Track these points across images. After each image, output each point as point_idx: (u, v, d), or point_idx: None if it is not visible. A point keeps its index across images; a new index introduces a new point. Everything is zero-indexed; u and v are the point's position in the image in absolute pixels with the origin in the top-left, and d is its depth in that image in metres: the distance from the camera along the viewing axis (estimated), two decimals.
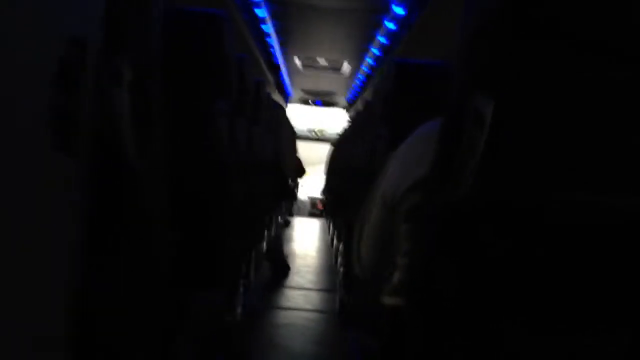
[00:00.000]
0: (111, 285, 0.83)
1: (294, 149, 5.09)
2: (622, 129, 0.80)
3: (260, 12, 4.17)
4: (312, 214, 8.57)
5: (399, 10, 3.75)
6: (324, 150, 7.39)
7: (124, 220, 0.84)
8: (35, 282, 0.66)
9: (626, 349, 0.88)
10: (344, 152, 4.07)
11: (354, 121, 4.36)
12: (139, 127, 0.83)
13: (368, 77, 6.05)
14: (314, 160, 8.76)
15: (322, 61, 5.93)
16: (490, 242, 0.83)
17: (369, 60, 5.40)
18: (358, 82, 6.67)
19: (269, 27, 4.59)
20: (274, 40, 5.04)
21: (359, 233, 1.32)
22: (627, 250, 0.84)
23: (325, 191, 6.86)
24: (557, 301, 0.84)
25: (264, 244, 3.67)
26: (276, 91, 6.92)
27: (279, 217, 4.75)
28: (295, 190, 6.99)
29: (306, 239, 5.97)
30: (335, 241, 4.28)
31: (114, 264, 0.84)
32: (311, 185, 8.37)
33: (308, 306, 3.29)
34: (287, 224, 6.49)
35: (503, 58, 0.78)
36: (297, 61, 6.04)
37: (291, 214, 7.32)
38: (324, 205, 7.74)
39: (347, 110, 8.55)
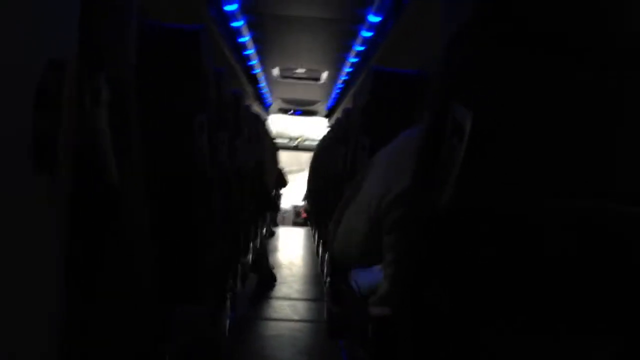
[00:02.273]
0: (94, 302, 0.83)
1: (275, 160, 5.08)
2: (603, 134, 0.81)
3: (237, 24, 4.17)
4: (296, 223, 8.55)
5: (374, 19, 3.77)
6: (306, 157, 7.41)
7: (105, 237, 0.83)
8: (18, 299, 0.66)
9: (618, 352, 0.89)
10: (325, 160, 4.08)
11: (333, 129, 4.37)
12: (118, 144, 0.82)
13: (347, 84, 6.07)
14: (300, 166, 8.78)
15: (300, 71, 5.94)
16: (475, 250, 0.84)
17: (347, 69, 5.42)
18: (337, 90, 6.68)
19: (246, 39, 4.59)
20: (251, 52, 5.04)
21: (334, 231, 1.33)
22: (613, 253, 0.85)
23: (308, 199, 6.85)
24: (544, 309, 0.85)
25: (249, 256, 3.65)
26: (256, 102, 6.91)
27: (264, 228, 4.73)
28: (278, 201, 6.98)
29: (291, 248, 5.96)
30: (320, 250, 4.28)
31: (96, 280, 0.83)
32: (295, 194, 8.37)
33: (296, 316, 3.28)
34: (271, 234, 6.47)
35: (481, 66, 0.79)
36: (276, 72, 6.04)
37: (275, 224, 7.30)
38: (307, 214, 7.74)
39: (327, 119, 8.56)
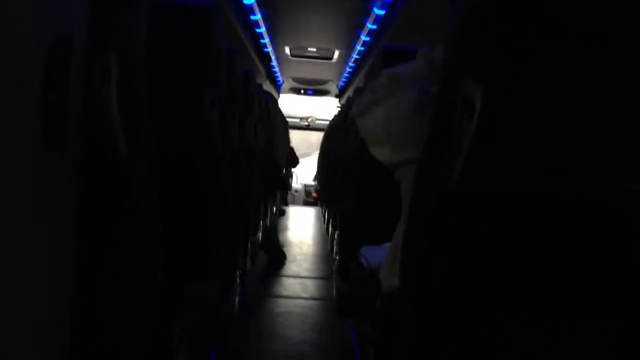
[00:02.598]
0: (105, 279, 0.84)
1: (286, 139, 5.08)
2: (613, 115, 0.80)
3: (248, 1, 4.14)
4: (307, 203, 8.58)
5: None
6: (317, 139, 7.39)
7: (115, 215, 0.84)
8: (31, 277, 0.67)
9: (619, 339, 0.88)
10: (336, 140, 4.07)
11: (345, 109, 4.36)
12: (127, 121, 0.83)
13: (358, 64, 6.03)
14: (309, 149, 8.77)
15: (312, 50, 5.90)
16: (481, 230, 0.83)
17: (358, 47, 5.38)
18: (349, 70, 6.64)
19: (257, 17, 4.56)
20: (263, 30, 5.01)
21: None
22: (620, 239, 0.84)
23: (319, 179, 6.86)
24: (547, 289, 0.85)
25: (260, 234, 3.67)
26: (267, 81, 6.89)
27: (274, 207, 4.75)
28: (290, 180, 6.99)
29: (301, 227, 5.98)
30: (330, 229, 4.29)
31: (107, 258, 0.84)
32: (306, 173, 8.39)
33: (305, 294, 3.31)
34: (282, 213, 6.50)
35: (493, 43, 0.78)
36: (287, 50, 6.01)
37: (286, 204, 7.32)
38: (318, 194, 7.75)
39: (339, 98, 8.53)
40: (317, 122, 9.04)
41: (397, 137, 1.09)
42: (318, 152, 6.87)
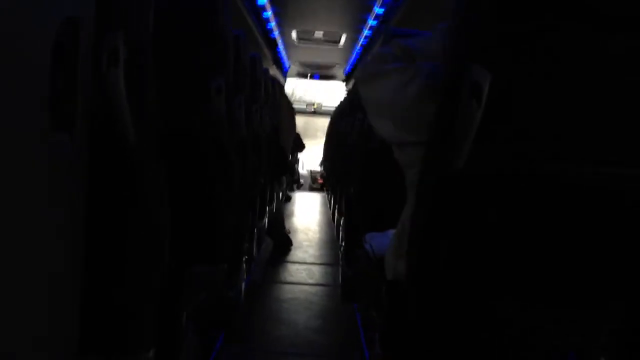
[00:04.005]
0: (113, 261, 0.84)
1: (292, 124, 5.07)
2: (617, 100, 0.80)
3: None
4: (312, 189, 8.59)
5: None
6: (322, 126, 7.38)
7: (122, 197, 0.84)
8: (40, 254, 0.67)
9: (620, 322, 0.89)
10: (342, 126, 4.06)
11: (351, 94, 4.34)
12: (135, 105, 0.83)
13: (365, 48, 6.00)
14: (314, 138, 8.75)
15: (319, 34, 5.88)
16: (488, 215, 0.83)
17: (366, 31, 5.35)
18: (356, 54, 6.61)
19: (264, 1, 4.54)
20: (269, 14, 4.98)
21: None
22: (621, 222, 0.84)
23: (325, 165, 6.85)
24: (551, 271, 0.85)
25: (266, 220, 3.68)
26: (273, 66, 6.87)
27: (280, 193, 4.76)
28: (296, 166, 6.98)
29: (307, 213, 5.99)
30: (336, 215, 4.30)
31: (114, 240, 0.84)
32: (312, 158, 8.38)
33: (311, 280, 3.32)
34: (287, 199, 6.51)
35: (500, 28, 0.78)
36: (294, 35, 5.98)
37: (292, 189, 7.33)
38: (324, 180, 7.75)
39: (345, 83, 8.50)
40: (324, 107, 9.02)
41: (402, 116, 1.08)
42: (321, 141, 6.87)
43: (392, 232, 1.31)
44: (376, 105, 1.17)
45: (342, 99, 6.29)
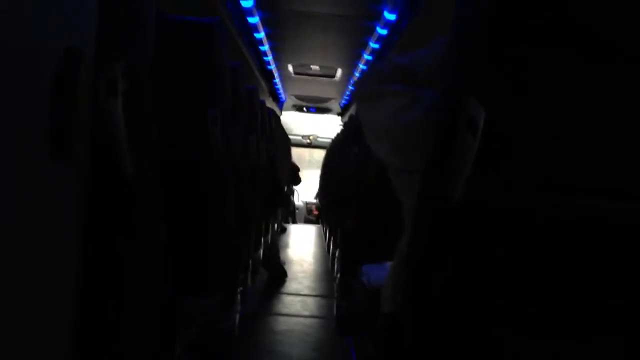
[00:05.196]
0: (106, 292, 0.84)
1: (288, 156, 5.09)
2: (614, 132, 0.81)
3: (253, 20, 4.18)
4: (308, 220, 8.57)
5: (390, 17, 3.77)
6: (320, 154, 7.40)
7: (118, 227, 0.84)
8: (33, 287, 0.67)
9: (622, 354, 0.88)
10: (338, 158, 4.08)
11: (346, 127, 4.37)
12: (133, 135, 0.83)
13: None
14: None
15: (315, 68, 5.95)
16: (483, 246, 0.83)
17: (361, 66, 5.41)
18: (351, 88, 6.68)
19: (261, 35, 4.60)
20: (266, 48, 5.05)
21: None
22: (621, 254, 0.84)
23: (320, 197, 6.85)
24: (551, 305, 0.85)
25: (261, 251, 3.67)
26: (270, 98, 6.93)
27: (275, 224, 4.75)
28: (291, 197, 6.97)
29: (302, 245, 5.97)
30: (331, 247, 4.28)
31: (109, 272, 0.84)
32: (307, 190, 8.39)
33: (305, 312, 3.29)
34: (283, 230, 6.49)
35: (495, 62, 0.79)
36: (290, 68, 6.05)
37: (287, 221, 7.31)
38: (319, 212, 7.74)
39: (341, 116, 8.56)
40: (319, 139, 9.07)
41: (399, 143, 1.07)
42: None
43: (389, 264, 1.30)
44: (374, 127, 1.16)
45: (338, 132, 6.33)
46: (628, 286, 0.85)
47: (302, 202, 8.88)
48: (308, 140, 9.19)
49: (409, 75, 1.10)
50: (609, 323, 0.86)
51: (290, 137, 5.88)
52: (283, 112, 8.61)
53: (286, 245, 5.68)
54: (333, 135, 6.96)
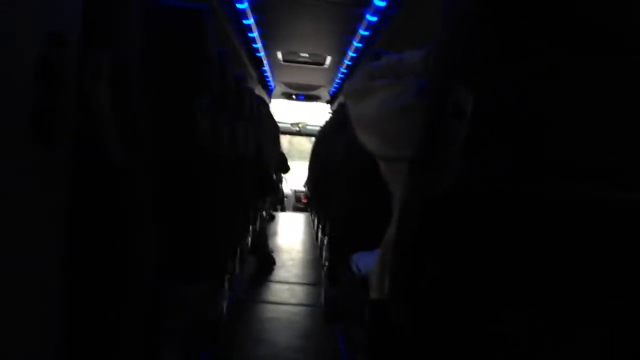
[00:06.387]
0: (94, 279, 0.83)
1: (277, 144, 5.08)
2: (604, 119, 0.81)
3: (242, 6, 4.15)
4: (297, 208, 8.57)
5: (380, 3, 3.75)
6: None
7: (106, 215, 0.84)
8: (20, 277, 0.66)
9: (617, 344, 0.89)
10: (326, 146, 4.08)
11: (335, 114, 4.37)
12: (120, 121, 0.82)
13: (351, 70, 6.05)
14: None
15: (304, 55, 5.92)
16: (471, 233, 0.84)
17: (350, 53, 5.39)
18: (340, 76, 6.66)
19: (250, 21, 4.56)
20: (255, 35, 5.01)
21: None
22: (613, 239, 0.85)
23: (309, 185, 6.86)
24: (540, 291, 0.85)
25: (249, 239, 3.67)
26: (259, 86, 6.89)
27: (264, 212, 4.75)
28: (280, 185, 6.97)
29: (291, 233, 5.97)
30: (319, 235, 4.29)
31: (96, 258, 0.84)
32: (297, 179, 8.38)
33: (293, 300, 3.30)
34: (271, 218, 6.49)
35: (484, 49, 0.79)
36: (280, 55, 6.02)
37: (276, 209, 7.31)
38: (308, 200, 7.75)
39: (330, 104, 8.54)
40: (308, 127, 9.05)
41: (389, 131, 1.09)
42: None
43: (377, 251, 1.31)
44: (364, 121, 1.18)
45: (327, 119, 6.32)
46: (623, 276, 0.86)
47: (291, 190, 8.88)
48: (297, 128, 9.16)
49: (399, 71, 1.12)
50: (603, 311, 0.87)
51: (279, 124, 5.86)
52: (272, 100, 8.58)
53: (275, 233, 5.69)
54: (322, 122, 6.95)
